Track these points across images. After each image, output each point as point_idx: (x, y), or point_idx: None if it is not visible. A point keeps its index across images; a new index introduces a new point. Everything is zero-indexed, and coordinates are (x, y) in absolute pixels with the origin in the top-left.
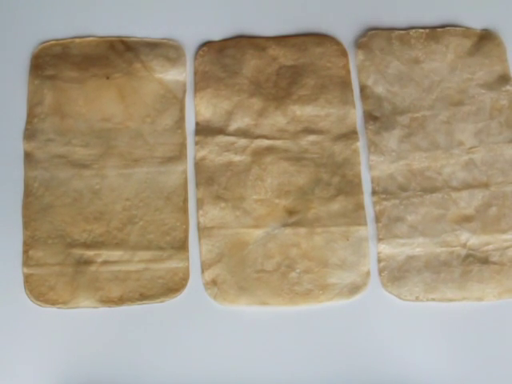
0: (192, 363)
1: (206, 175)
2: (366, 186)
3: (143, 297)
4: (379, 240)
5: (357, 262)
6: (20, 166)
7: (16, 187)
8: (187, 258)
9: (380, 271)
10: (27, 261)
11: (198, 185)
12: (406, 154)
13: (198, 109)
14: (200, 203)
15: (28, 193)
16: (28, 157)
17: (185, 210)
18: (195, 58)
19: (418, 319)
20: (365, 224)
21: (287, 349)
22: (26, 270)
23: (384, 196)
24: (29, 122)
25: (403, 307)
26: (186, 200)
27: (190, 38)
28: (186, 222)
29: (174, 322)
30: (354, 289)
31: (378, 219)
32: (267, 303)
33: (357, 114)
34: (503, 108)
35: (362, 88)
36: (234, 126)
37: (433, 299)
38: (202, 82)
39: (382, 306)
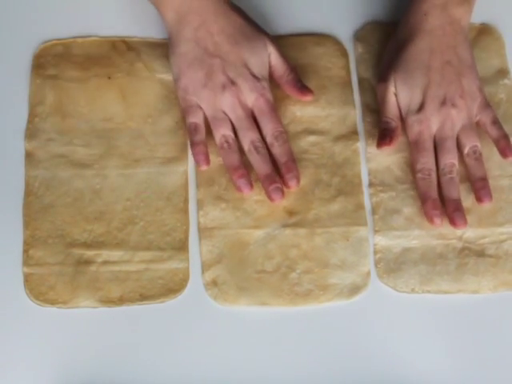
0: (192, 364)
1: (206, 176)
2: (363, 178)
3: (143, 297)
4: (375, 232)
5: (357, 263)
6: (21, 165)
7: (17, 186)
8: (187, 259)
9: (376, 263)
10: (27, 260)
11: (198, 185)
12: (403, 146)
13: None
14: (200, 204)
15: (29, 192)
16: (29, 156)
17: (185, 211)
18: None
19: (413, 311)
20: (365, 224)
21: (287, 349)
22: (26, 270)
23: (381, 188)
24: (30, 121)
25: (399, 299)
26: (186, 201)
27: None
28: (187, 223)
29: (173, 323)
30: (355, 289)
31: (374, 211)
32: (267, 304)
33: (357, 114)
34: (501, 102)
35: (361, 81)
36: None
37: (428, 291)
38: None
39: (380, 302)
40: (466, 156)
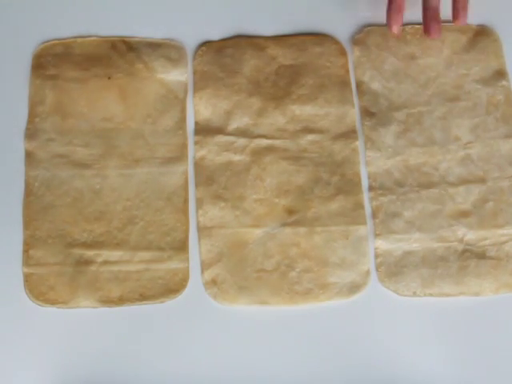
0: (192, 363)
1: (205, 175)
2: (363, 182)
3: (143, 297)
4: (376, 236)
5: (356, 261)
6: (21, 165)
7: (17, 186)
8: (187, 259)
9: (377, 267)
10: (27, 260)
11: (197, 184)
12: (402, 149)
13: (197, 108)
14: (199, 203)
15: (29, 192)
16: (29, 156)
17: (185, 211)
18: (194, 57)
19: (415, 314)
20: (364, 223)
21: (287, 348)
22: (26, 270)
23: (381, 192)
24: (30, 121)
25: (400, 302)
26: (186, 201)
27: (189, 38)
28: (186, 223)
29: (174, 323)
30: (354, 288)
31: (374, 215)
32: (267, 303)
33: (356, 113)
34: (499, 103)
35: (359, 84)
36: (233, 125)
37: (430, 294)
38: (201, 81)
39: (379, 301)
40: None
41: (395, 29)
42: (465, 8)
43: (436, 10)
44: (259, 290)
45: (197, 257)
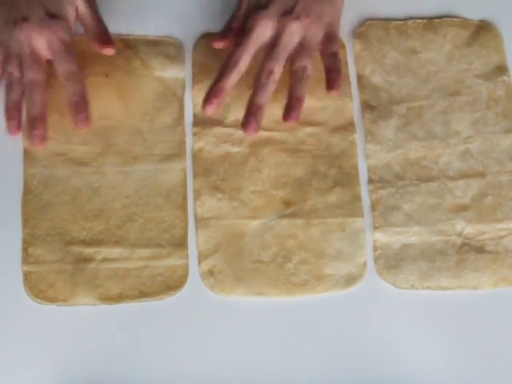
0: (191, 360)
1: (203, 166)
2: (363, 175)
3: (142, 294)
4: (375, 228)
5: (353, 253)
6: (19, 163)
7: (15, 185)
8: (186, 256)
9: (376, 259)
10: (26, 258)
11: (195, 176)
12: (402, 143)
13: (195, 101)
14: (197, 194)
15: (27, 190)
16: (27, 154)
17: (184, 208)
18: (193, 49)
19: (412, 307)
20: (361, 215)
21: (283, 339)
22: (25, 268)
23: (380, 185)
24: None
25: (398, 295)
26: (185, 197)
27: (187, 34)
28: (185, 220)
29: (173, 320)
30: (351, 280)
31: (374, 208)
32: (264, 294)
33: (354, 106)
34: (500, 98)
35: (360, 77)
36: (231, 117)
37: (428, 287)
38: (199, 74)
39: (377, 293)
40: (293, 73)
41: (209, 110)
42: (338, 80)
43: (301, 101)
44: (256, 281)
45: (196, 254)
